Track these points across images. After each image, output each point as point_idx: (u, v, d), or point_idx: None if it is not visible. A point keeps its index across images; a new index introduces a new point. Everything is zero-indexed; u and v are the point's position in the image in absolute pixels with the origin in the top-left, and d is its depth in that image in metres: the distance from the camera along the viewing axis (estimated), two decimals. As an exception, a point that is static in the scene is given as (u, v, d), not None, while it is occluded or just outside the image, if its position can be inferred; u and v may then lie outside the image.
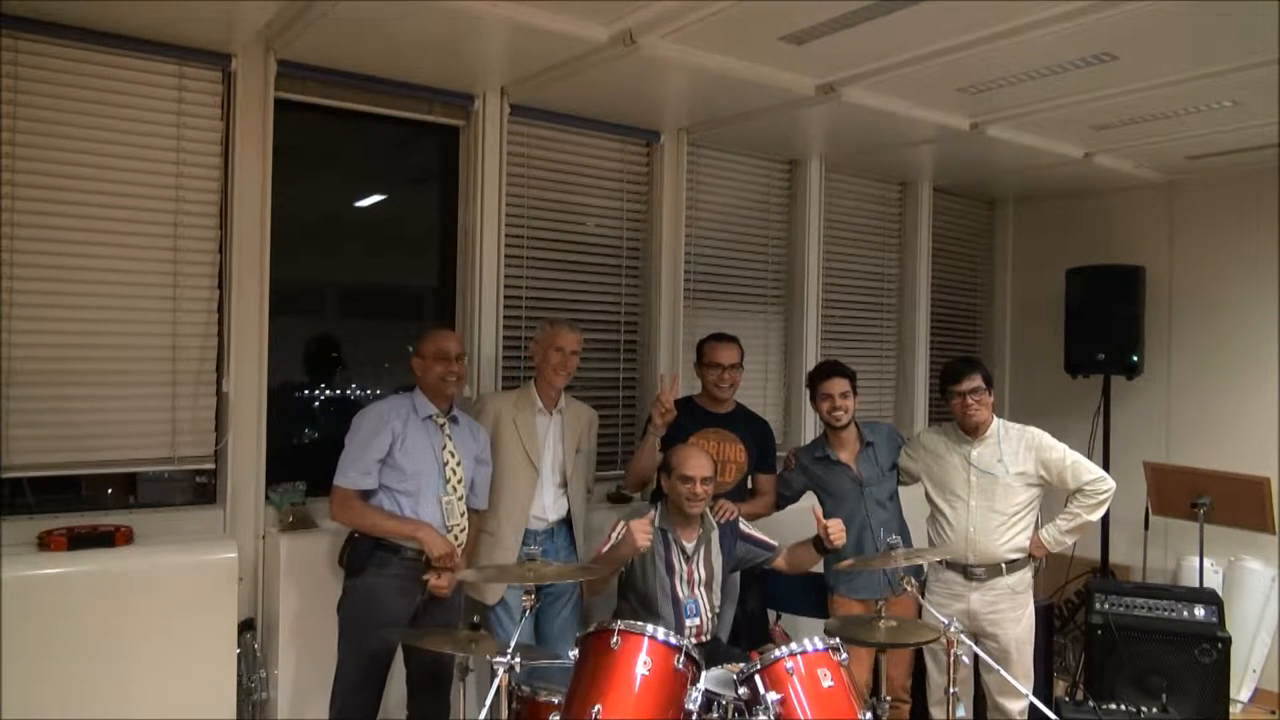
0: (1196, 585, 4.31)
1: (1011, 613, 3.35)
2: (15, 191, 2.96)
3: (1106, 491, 3.31)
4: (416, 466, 3.02)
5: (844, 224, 5.18)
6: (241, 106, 3.30)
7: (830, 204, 5.00)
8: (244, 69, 3.29)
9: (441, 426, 3.11)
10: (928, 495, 3.53)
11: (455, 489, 3.08)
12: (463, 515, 3.10)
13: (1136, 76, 3.41)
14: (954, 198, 5.75)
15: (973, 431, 3.41)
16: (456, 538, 3.07)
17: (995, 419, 3.44)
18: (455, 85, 3.74)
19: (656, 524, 3.12)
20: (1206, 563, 4.38)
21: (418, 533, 2.96)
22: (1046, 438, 3.39)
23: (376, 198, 4.06)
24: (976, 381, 3.36)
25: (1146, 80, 3.44)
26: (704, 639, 3.11)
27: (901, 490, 3.63)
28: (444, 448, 3.09)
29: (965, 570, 3.37)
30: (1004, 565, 3.34)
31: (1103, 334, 4.99)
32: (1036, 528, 3.39)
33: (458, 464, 3.10)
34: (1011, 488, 3.34)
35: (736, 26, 3.01)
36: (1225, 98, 3.62)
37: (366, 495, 3.00)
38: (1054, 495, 3.43)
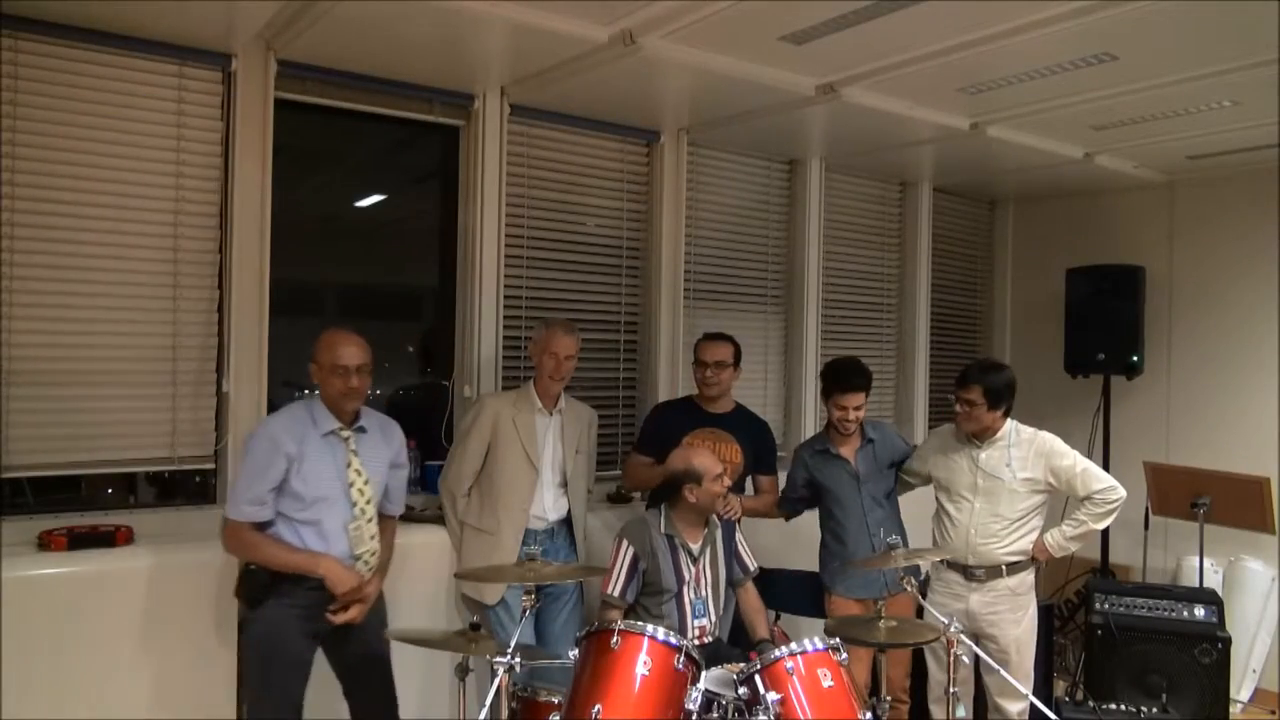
0: (1196, 585, 4.31)
1: (1011, 614, 3.34)
2: (15, 191, 2.96)
3: (1116, 501, 3.26)
4: (317, 493, 2.72)
5: (844, 224, 5.17)
6: (241, 106, 3.29)
7: (830, 204, 4.99)
8: (244, 69, 3.28)
9: (346, 440, 2.80)
10: (936, 494, 3.52)
11: (364, 511, 2.81)
12: (373, 538, 2.85)
13: (1136, 76, 3.40)
14: (954, 198, 5.75)
15: (976, 435, 3.40)
16: (367, 562, 2.83)
17: (1009, 421, 3.38)
18: (455, 85, 3.74)
19: (662, 530, 3.12)
20: (1206, 563, 4.38)
21: (318, 567, 2.69)
22: (1058, 444, 3.34)
23: (376, 198, 4.06)
24: (972, 394, 3.30)
25: (1146, 80, 3.44)
26: (707, 639, 3.11)
27: (902, 490, 3.62)
28: (349, 465, 2.79)
29: (965, 571, 3.36)
30: (1004, 567, 3.33)
31: (1103, 334, 4.98)
32: (1041, 531, 3.38)
33: (365, 483, 2.81)
34: (1016, 493, 3.31)
35: (736, 26, 3.01)
36: (1225, 98, 3.62)
37: (262, 526, 2.73)
38: (1057, 497, 3.42)
